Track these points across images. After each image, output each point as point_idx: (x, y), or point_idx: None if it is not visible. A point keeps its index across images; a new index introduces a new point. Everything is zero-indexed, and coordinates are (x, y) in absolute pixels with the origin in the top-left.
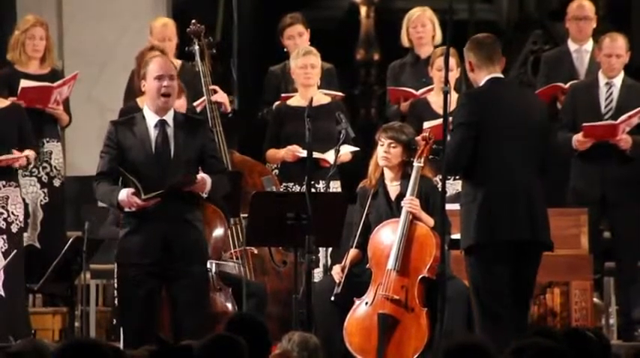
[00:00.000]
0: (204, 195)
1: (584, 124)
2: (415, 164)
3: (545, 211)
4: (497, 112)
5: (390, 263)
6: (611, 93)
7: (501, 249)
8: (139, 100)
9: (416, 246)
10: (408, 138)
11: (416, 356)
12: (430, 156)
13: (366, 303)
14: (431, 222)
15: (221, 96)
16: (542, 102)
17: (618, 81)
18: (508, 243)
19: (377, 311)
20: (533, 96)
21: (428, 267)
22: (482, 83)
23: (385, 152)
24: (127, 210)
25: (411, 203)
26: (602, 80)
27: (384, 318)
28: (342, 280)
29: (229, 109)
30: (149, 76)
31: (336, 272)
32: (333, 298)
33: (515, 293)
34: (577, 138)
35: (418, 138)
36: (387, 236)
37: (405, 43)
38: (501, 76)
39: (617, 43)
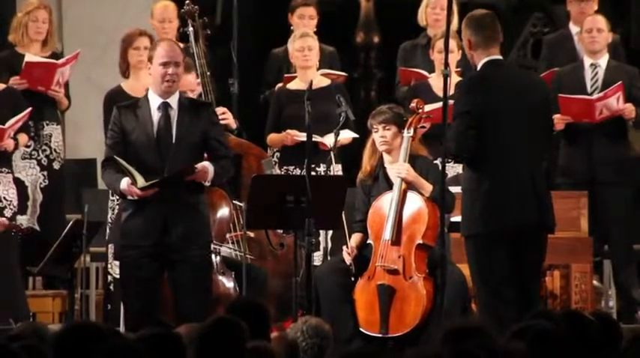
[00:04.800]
0: (207, 183)
1: (560, 95)
2: (405, 134)
3: (548, 193)
4: (495, 97)
5: (386, 234)
6: (596, 73)
7: (506, 235)
8: (123, 84)
9: (409, 214)
10: (399, 116)
11: (417, 321)
12: (420, 126)
13: (368, 278)
14: (428, 187)
15: (226, 116)
16: (543, 83)
17: (603, 62)
18: (513, 228)
19: (376, 283)
20: (533, 77)
21: (423, 233)
22: (479, 65)
23: (382, 137)
24: (129, 197)
25: (399, 168)
26: (587, 62)
27: (383, 289)
28: (353, 262)
29: (234, 126)
30: (155, 60)
31: (346, 252)
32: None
33: (520, 277)
34: (555, 117)
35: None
36: (384, 209)
37: (422, 22)
38: (499, 57)
39: (597, 18)
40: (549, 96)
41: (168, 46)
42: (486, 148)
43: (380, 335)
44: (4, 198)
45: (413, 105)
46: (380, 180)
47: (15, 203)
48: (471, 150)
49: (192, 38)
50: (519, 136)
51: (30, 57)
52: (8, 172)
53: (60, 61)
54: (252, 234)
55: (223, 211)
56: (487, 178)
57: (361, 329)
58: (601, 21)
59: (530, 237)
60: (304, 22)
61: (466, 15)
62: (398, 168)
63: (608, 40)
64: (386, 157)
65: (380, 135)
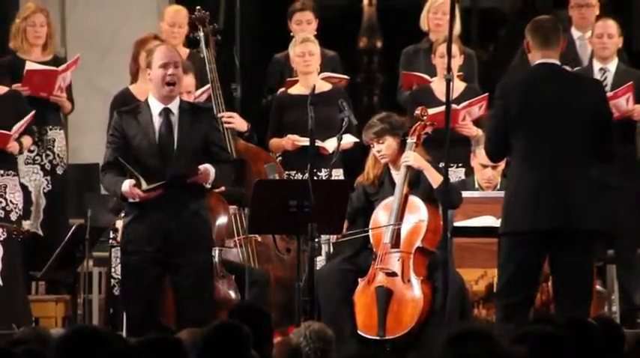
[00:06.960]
0: (208, 186)
1: None
2: (409, 140)
3: (587, 197)
4: (531, 102)
5: (386, 237)
6: (605, 78)
7: (525, 238)
8: (131, 87)
9: (409, 218)
10: (390, 125)
11: (413, 323)
12: (424, 134)
13: (368, 281)
14: (437, 177)
15: (231, 120)
16: (596, 88)
17: (612, 66)
18: (533, 233)
19: (375, 286)
20: (586, 82)
21: (422, 237)
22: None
23: (378, 151)
24: (130, 200)
25: (406, 157)
26: (596, 66)
27: (381, 291)
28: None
29: (245, 129)
30: (154, 64)
31: None
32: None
33: (559, 283)
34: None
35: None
36: (386, 214)
37: (424, 27)
38: (554, 61)
39: (608, 23)
40: (601, 100)
41: (166, 48)
42: (513, 152)
43: (377, 338)
44: (11, 201)
45: (417, 112)
46: (385, 184)
47: (21, 206)
48: (497, 152)
49: (203, 44)
50: (551, 141)
51: (30, 65)
52: (14, 175)
53: (60, 68)
54: (259, 238)
55: (221, 215)
56: (513, 181)
57: (358, 332)
58: (612, 26)
59: (561, 242)
60: (302, 27)
61: (470, 19)
62: (404, 158)
63: (619, 45)
64: (391, 164)
65: (376, 149)
